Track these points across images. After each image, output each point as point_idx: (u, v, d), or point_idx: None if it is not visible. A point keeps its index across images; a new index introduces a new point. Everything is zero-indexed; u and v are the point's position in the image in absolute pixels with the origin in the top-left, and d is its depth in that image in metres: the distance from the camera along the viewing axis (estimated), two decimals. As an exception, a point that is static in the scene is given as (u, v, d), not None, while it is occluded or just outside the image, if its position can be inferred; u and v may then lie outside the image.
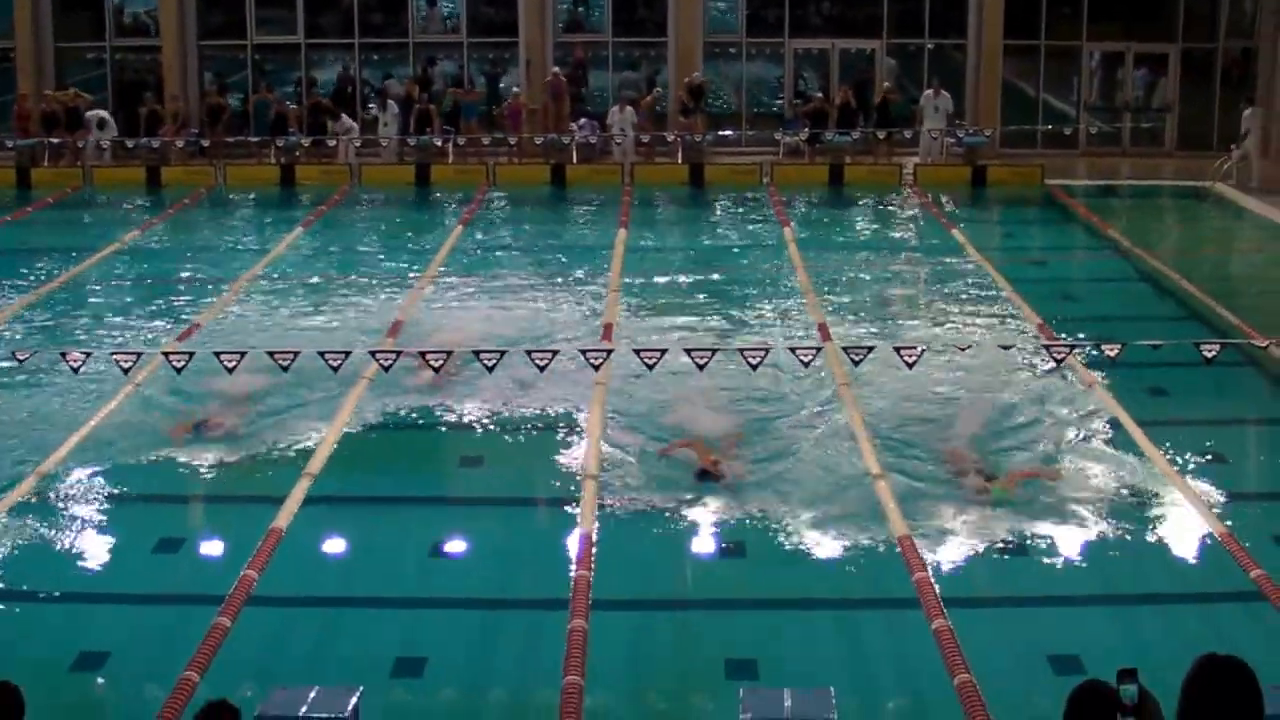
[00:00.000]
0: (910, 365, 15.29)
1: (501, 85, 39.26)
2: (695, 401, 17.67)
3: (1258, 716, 5.70)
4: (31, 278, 25.25)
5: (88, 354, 15.42)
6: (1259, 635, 12.13)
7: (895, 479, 15.22)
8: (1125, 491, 15.35)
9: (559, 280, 25.29)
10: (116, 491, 15.47)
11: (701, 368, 15.39)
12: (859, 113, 37.02)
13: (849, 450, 16.19)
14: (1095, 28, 38.46)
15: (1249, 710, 5.69)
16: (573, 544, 13.83)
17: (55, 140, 36.18)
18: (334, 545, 14.51)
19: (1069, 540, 14.16)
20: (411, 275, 25.54)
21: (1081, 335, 20.70)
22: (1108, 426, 17.18)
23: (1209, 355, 15.08)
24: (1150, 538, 14.34)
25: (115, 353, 15.34)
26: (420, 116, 36.89)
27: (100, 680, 11.68)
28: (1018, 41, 38.23)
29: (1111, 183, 35.36)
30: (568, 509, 14.84)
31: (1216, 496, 15.18)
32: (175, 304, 23.76)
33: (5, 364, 18.74)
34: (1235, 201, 32.24)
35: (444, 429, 17.54)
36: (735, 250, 28.37)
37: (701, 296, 24.26)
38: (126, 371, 15.23)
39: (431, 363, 14.65)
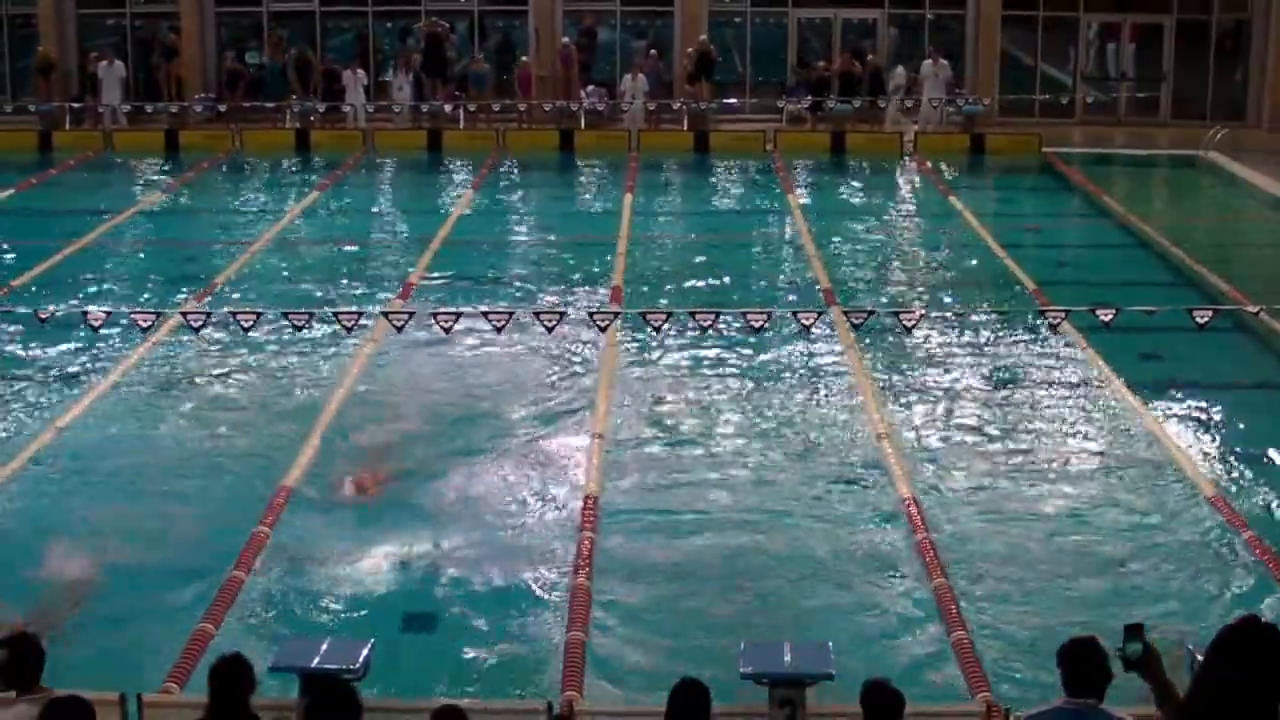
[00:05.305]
0: (909, 329, 15.63)
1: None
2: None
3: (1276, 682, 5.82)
4: (55, 238, 25.42)
5: (108, 313, 15.78)
6: (1248, 596, 12.41)
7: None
8: (1116, 453, 15.86)
9: (567, 244, 25.70)
10: (129, 452, 15.72)
11: (705, 330, 15.75)
12: (860, 80, 37.30)
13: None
14: (1092, -1, 38.90)
15: (1271, 675, 5.76)
16: (577, 505, 14.17)
17: (76, 104, 36.57)
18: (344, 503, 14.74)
19: (1054, 500, 14.69)
20: (424, 238, 25.76)
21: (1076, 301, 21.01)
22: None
23: (1202, 321, 15.43)
24: (1138, 498, 14.73)
25: (134, 312, 15.73)
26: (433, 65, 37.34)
27: (116, 632, 11.96)
28: (1016, 12, 38.50)
29: (1107, 151, 35.66)
30: (573, 469, 15.24)
31: (1208, 459, 15.62)
32: (193, 265, 24.12)
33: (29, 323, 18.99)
34: (1228, 170, 32.60)
35: (453, 389, 17.79)
36: (740, 216, 28.80)
37: (707, 260, 24.65)
38: (145, 330, 15.59)
39: (442, 323, 15.03)
